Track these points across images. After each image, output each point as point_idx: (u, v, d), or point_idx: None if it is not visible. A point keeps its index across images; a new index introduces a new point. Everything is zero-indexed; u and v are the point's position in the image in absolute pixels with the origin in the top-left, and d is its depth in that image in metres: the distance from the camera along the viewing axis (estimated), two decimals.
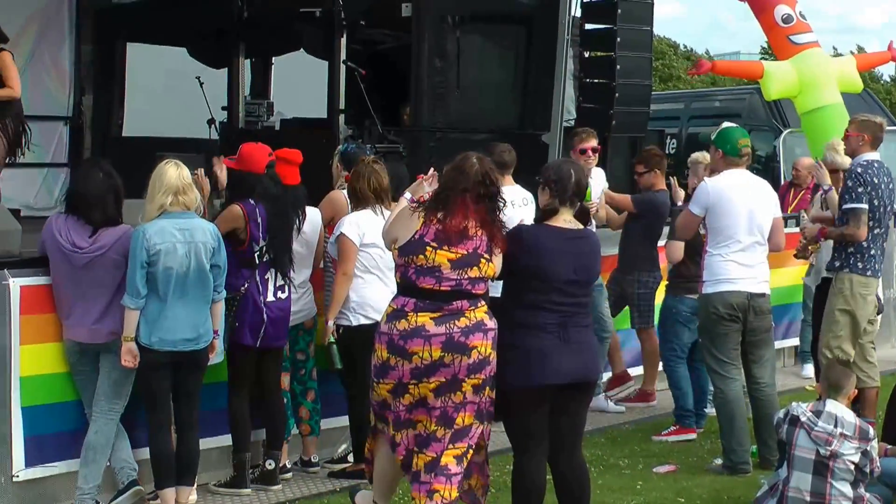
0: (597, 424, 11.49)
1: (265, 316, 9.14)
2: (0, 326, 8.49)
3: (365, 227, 9.29)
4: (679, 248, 10.65)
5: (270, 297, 9.18)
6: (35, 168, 15.58)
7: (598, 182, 11.59)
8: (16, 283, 8.53)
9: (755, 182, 10.08)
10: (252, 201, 9.12)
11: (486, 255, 7.57)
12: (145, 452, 8.86)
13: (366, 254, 9.34)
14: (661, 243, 11.67)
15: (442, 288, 7.53)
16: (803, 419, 8.54)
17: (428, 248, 7.52)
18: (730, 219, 9.81)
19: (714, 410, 10.54)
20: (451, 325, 7.49)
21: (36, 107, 15.42)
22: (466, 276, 7.53)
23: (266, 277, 9.16)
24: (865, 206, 10.24)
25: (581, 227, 7.95)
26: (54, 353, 8.72)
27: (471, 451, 7.68)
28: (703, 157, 11.47)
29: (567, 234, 7.79)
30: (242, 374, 9.34)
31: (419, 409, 7.59)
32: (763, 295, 9.93)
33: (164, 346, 8.45)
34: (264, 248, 9.14)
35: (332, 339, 9.39)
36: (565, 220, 7.82)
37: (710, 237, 9.93)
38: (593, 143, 11.68)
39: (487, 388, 7.61)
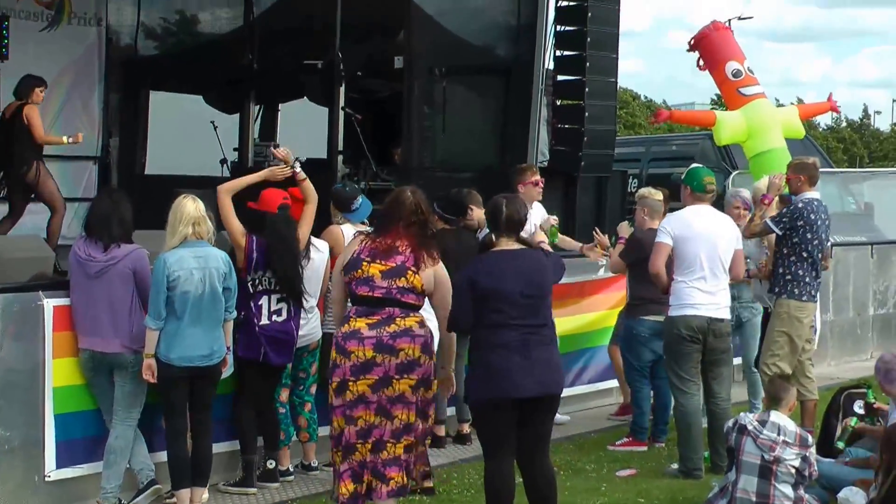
0: (566, 433, 11.52)
1: (261, 337, 9.11)
2: (35, 342, 8.51)
3: None
4: (619, 263, 11.01)
5: (265, 321, 9.14)
6: (67, 203, 15.55)
7: (538, 214, 11.58)
8: (49, 304, 8.55)
9: (718, 216, 10.10)
10: (255, 237, 9.15)
11: (412, 269, 7.83)
12: (162, 456, 8.86)
13: None
14: None
15: (375, 294, 7.81)
16: (750, 428, 8.55)
17: (363, 262, 7.85)
18: (693, 248, 9.82)
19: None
20: (382, 330, 7.76)
21: (68, 147, 15.46)
22: (395, 286, 7.79)
23: (260, 303, 9.14)
24: (780, 232, 10.38)
25: (523, 247, 7.96)
26: (77, 366, 8.73)
27: (417, 444, 7.90)
28: (647, 192, 11.46)
29: (509, 255, 7.85)
30: (246, 386, 9.33)
31: (359, 406, 7.78)
32: (722, 320, 9.92)
33: (182, 362, 8.47)
34: (259, 278, 9.13)
35: None
36: (505, 244, 7.90)
37: (675, 265, 9.92)
38: (539, 176, 11.67)
39: (422, 388, 7.80)
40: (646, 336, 10.95)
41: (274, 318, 9.18)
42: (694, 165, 10.54)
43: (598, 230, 12.04)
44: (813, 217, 10.37)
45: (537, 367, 7.72)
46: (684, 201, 10.15)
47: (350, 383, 7.76)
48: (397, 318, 7.77)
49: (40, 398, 8.53)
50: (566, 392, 11.96)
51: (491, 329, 7.72)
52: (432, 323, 8.14)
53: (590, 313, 12.49)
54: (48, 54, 15.57)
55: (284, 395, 9.70)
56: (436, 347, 8.10)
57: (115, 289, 8.58)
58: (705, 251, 9.83)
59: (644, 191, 11.66)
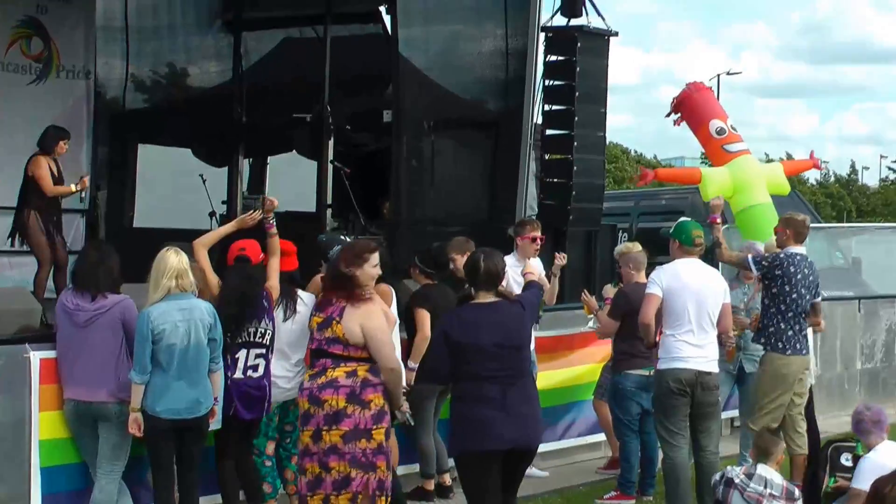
0: (554, 486, 11.53)
1: (233, 391, 9.03)
2: (21, 395, 8.53)
3: None
4: (611, 325, 10.90)
5: (239, 375, 9.08)
6: None
7: (536, 268, 11.58)
8: (36, 356, 8.57)
9: (706, 270, 10.13)
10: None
11: (336, 318, 8.00)
12: None
13: None
14: None
15: (312, 346, 8.15)
16: (737, 481, 8.58)
17: (312, 316, 8.27)
18: (681, 302, 9.87)
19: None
20: (314, 382, 7.99)
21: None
22: (325, 337, 8.00)
23: (237, 357, 9.08)
24: (757, 273, 10.59)
25: (499, 299, 8.04)
26: (62, 419, 8.71)
27: (360, 498, 7.92)
28: (626, 248, 11.53)
29: (486, 308, 7.96)
30: (222, 440, 9.24)
31: (305, 457, 8.04)
32: (710, 373, 9.95)
33: (168, 415, 8.47)
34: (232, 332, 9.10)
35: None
36: (482, 298, 8.00)
37: (664, 318, 9.96)
38: (539, 232, 11.69)
39: (363, 439, 7.86)
40: (631, 390, 11.00)
41: (249, 372, 9.12)
42: (682, 219, 10.60)
43: (586, 292, 12.03)
44: (792, 270, 10.44)
45: (517, 419, 7.84)
46: (673, 255, 10.19)
47: (300, 432, 8.11)
48: (328, 370, 7.98)
49: (26, 451, 8.51)
50: (555, 445, 12.13)
51: (470, 382, 7.82)
52: None
53: (578, 366, 12.52)
54: (36, 107, 15.56)
55: (271, 447, 9.68)
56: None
57: (103, 338, 8.59)
58: (693, 304, 9.88)
59: (622, 247, 11.74)
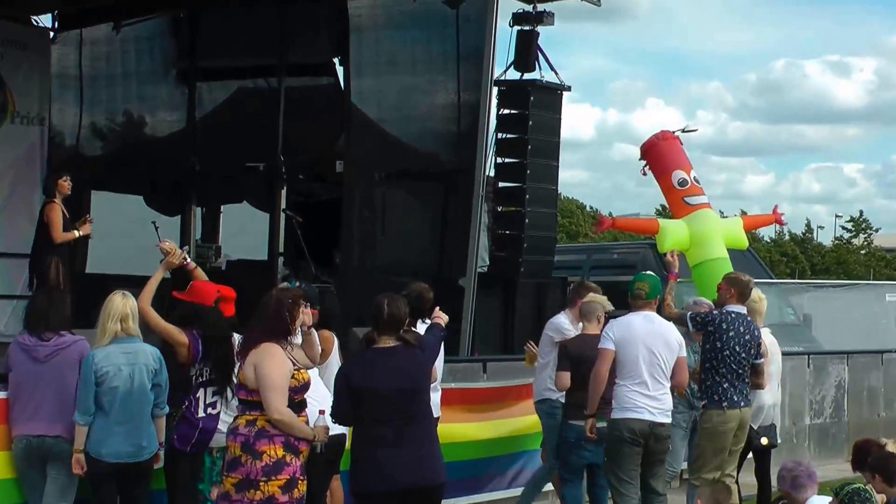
0: None
1: (196, 429, 9.04)
2: None
3: None
4: (565, 377, 10.75)
5: (201, 413, 9.08)
6: (6, 300, 15.62)
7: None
8: None
9: (660, 323, 10.26)
10: (195, 331, 9.18)
11: (241, 363, 8.06)
12: None
13: None
14: None
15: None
16: None
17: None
18: (633, 352, 10.01)
19: None
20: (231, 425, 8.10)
21: (10, 244, 15.57)
22: (237, 382, 8.13)
23: (198, 396, 9.08)
24: (693, 329, 10.72)
25: (399, 343, 8.10)
26: (8, 460, 8.65)
27: None
28: (590, 296, 11.51)
29: (385, 352, 8.04)
30: (179, 480, 9.19)
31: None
32: (663, 424, 10.08)
33: (110, 458, 8.45)
34: (199, 371, 9.08)
35: None
36: (384, 342, 8.07)
37: (617, 369, 10.06)
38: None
39: (251, 489, 7.78)
40: (572, 440, 10.83)
41: (209, 410, 9.11)
42: (641, 272, 10.73)
43: (531, 343, 12.07)
44: (724, 326, 10.59)
45: (412, 460, 7.93)
46: (630, 308, 10.36)
47: (224, 477, 8.04)
48: (236, 417, 8.07)
49: None
50: (503, 494, 12.10)
51: (366, 424, 7.94)
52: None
53: (526, 416, 12.52)
54: None
55: (216, 492, 9.63)
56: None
57: (62, 374, 8.58)
58: (645, 355, 10.01)
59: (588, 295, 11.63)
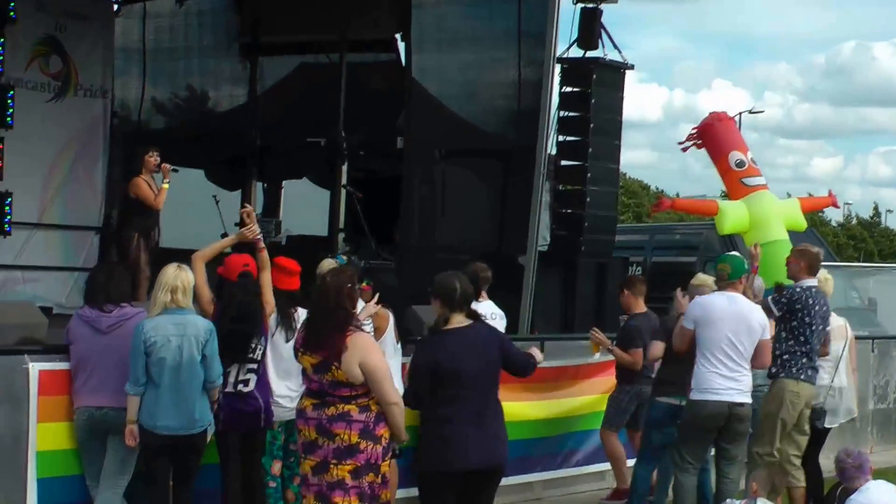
0: None
1: (222, 407, 8.96)
2: (20, 406, 8.54)
3: None
4: (658, 347, 10.75)
5: (229, 389, 9.02)
6: (68, 272, 15.76)
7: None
8: (35, 368, 8.59)
9: (742, 304, 10.17)
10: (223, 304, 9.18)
11: (335, 364, 7.65)
12: None
13: None
14: None
15: (311, 388, 7.80)
16: None
17: (299, 353, 7.82)
18: (711, 334, 9.96)
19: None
20: (322, 412, 7.70)
21: (72, 217, 15.70)
22: (325, 380, 7.68)
23: (228, 371, 9.00)
24: (778, 313, 10.51)
25: (470, 322, 8.09)
26: (68, 431, 8.74)
27: None
28: (700, 280, 11.39)
29: (464, 332, 8.02)
30: (224, 457, 9.18)
31: (303, 487, 7.89)
32: (742, 404, 10.01)
33: (162, 431, 8.49)
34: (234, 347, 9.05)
35: None
36: (458, 321, 8.03)
37: (697, 349, 10.03)
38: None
39: (371, 474, 7.67)
40: (657, 417, 10.81)
41: (240, 387, 9.06)
42: (727, 253, 10.69)
43: (596, 329, 12.03)
44: (811, 301, 10.48)
45: (490, 439, 7.95)
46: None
47: (302, 460, 7.87)
48: (338, 403, 7.70)
49: (23, 462, 8.53)
50: (553, 474, 12.08)
51: (447, 403, 7.87)
52: None
53: (582, 397, 12.49)
54: (54, 125, 15.75)
55: (276, 467, 9.64)
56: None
57: (125, 346, 8.60)
58: (725, 336, 9.96)
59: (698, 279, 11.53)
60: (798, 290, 10.58)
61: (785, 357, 10.51)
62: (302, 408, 7.86)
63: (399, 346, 10.05)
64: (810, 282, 10.62)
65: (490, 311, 10.66)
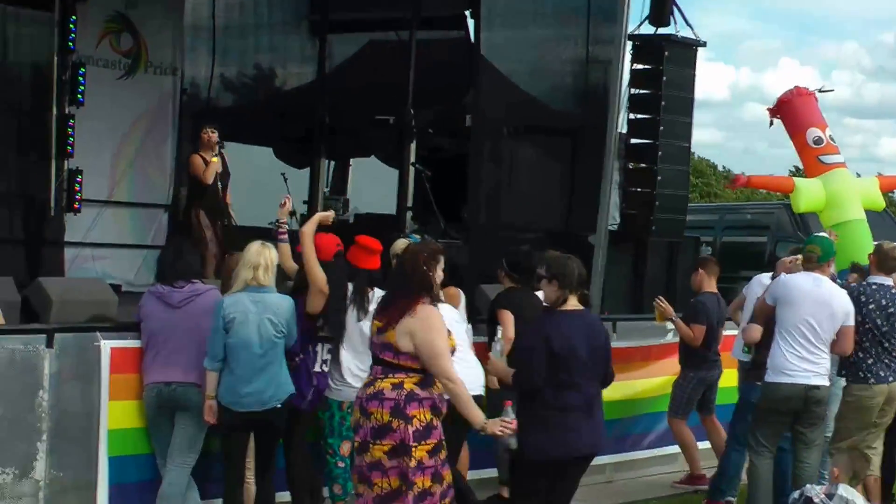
0: (626, 499, 11.50)
1: (313, 384, 9.03)
2: (91, 383, 8.57)
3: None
4: (754, 330, 10.41)
5: (317, 368, 9.10)
6: (137, 249, 15.81)
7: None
8: (107, 345, 8.61)
9: (827, 288, 9.98)
10: None
11: (392, 324, 7.54)
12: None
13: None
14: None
15: (370, 352, 7.76)
16: (816, 500, 8.45)
17: (374, 320, 7.71)
18: (791, 314, 9.83)
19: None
20: (364, 391, 7.61)
21: (141, 194, 15.77)
22: (379, 341, 7.59)
23: (316, 349, 9.10)
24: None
25: (583, 308, 8.03)
26: (139, 409, 8.76)
27: None
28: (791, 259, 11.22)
29: (577, 315, 7.93)
30: (290, 432, 9.15)
31: (353, 468, 7.81)
32: (818, 387, 9.83)
33: (239, 407, 8.49)
34: (321, 326, 9.08)
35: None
36: (573, 304, 7.94)
37: (776, 328, 9.90)
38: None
39: (404, 456, 7.47)
40: (754, 402, 10.45)
41: (324, 367, 9.13)
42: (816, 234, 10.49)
43: (661, 298, 11.91)
44: (863, 300, 10.25)
45: (596, 429, 7.90)
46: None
47: (353, 441, 7.83)
48: (377, 380, 7.59)
49: (95, 440, 8.57)
50: (623, 457, 11.97)
51: (559, 389, 7.75)
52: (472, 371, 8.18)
53: (653, 378, 12.37)
54: (124, 102, 15.81)
55: (345, 447, 9.58)
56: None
57: (197, 321, 8.65)
58: (804, 317, 9.81)
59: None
60: (854, 285, 10.48)
61: (851, 359, 10.25)
62: (356, 387, 7.92)
63: (469, 326, 9.95)
64: (878, 279, 10.42)
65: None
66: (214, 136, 13.28)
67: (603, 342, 8.02)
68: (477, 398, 8.52)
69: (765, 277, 11.19)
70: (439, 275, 7.95)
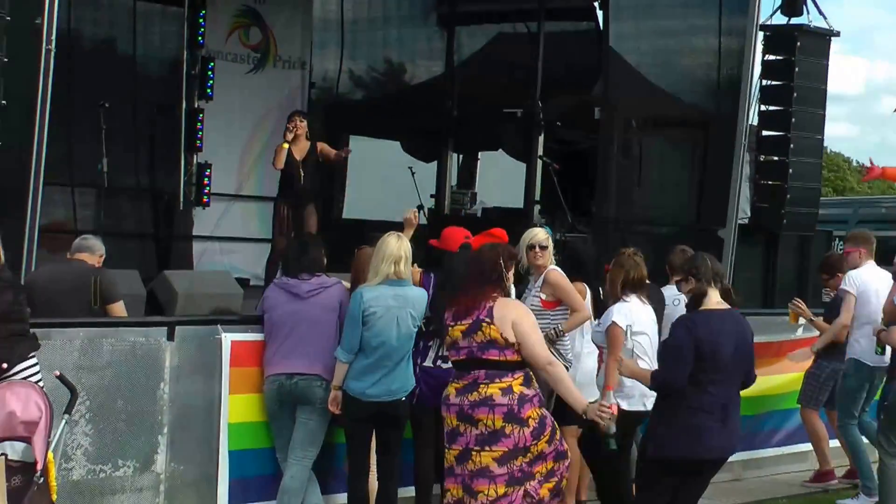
0: (753, 497, 11.26)
1: (420, 379, 8.82)
2: (211, 376, 8.54)
3: (634, 315, 8.69)
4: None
5: (428, 363, 8.91)
6: (265, 243, 15.80)
7: None
8: (227, 338, 8.56)
9: None
10: (432, 274, 9.04)
11: (486, 320, 7.51)
12: (336, 499, 8.83)
13: (636, 341, 8.59)
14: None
15: (461, 357, 7.59)
16: None
17: (449, 327, 7.68)
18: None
19: None
20: (464, 398, 7.49)
21: (269, 189, 15.75)
22: (475, 342, 7.50)
23: (429, 344, 8.92)
24: None
25: (729, 307, 7.79)
26: (259, 403, 8.69)
27: None
28: None
29: (723, 315, 7.70)
30: (417, 428, 9.06)
31: (449, 477, 7.64)
32: None
33: (368, 398, 8.40)
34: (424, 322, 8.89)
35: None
36: (717, 301, 7.72)
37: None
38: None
39: (520, 457, 7.42)
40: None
41: (440, 363, 8.88)
42: None
43: (798, 300, 11.58)
44: None
45: (730, 431, 7.71)
46: None
47: (446, 451, 7.68)
48: (480, 385, 7.49)
49: (215, 434, 8.52)
50: (751, 455, 11.67)
51: (697, 388, 7.54)
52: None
53: (783, 374, 12.06)
54: (252, 96, 15.88)
55: None
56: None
57: (323, 313, 8.61)
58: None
59: None
60: None
61: None
62: (446, 395, 7.70)
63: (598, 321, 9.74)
64: None
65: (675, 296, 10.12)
66: (291, 123, 13.09)
67: (749, 345, 7.81)
68: (644, 413, 8.45)
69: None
70: (510, 276, 8.01)
